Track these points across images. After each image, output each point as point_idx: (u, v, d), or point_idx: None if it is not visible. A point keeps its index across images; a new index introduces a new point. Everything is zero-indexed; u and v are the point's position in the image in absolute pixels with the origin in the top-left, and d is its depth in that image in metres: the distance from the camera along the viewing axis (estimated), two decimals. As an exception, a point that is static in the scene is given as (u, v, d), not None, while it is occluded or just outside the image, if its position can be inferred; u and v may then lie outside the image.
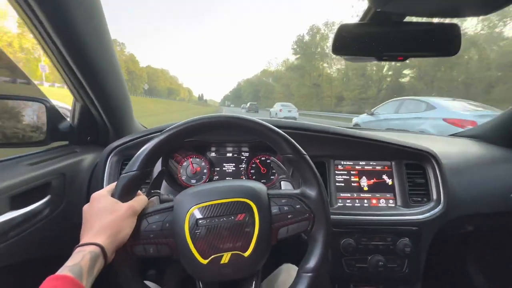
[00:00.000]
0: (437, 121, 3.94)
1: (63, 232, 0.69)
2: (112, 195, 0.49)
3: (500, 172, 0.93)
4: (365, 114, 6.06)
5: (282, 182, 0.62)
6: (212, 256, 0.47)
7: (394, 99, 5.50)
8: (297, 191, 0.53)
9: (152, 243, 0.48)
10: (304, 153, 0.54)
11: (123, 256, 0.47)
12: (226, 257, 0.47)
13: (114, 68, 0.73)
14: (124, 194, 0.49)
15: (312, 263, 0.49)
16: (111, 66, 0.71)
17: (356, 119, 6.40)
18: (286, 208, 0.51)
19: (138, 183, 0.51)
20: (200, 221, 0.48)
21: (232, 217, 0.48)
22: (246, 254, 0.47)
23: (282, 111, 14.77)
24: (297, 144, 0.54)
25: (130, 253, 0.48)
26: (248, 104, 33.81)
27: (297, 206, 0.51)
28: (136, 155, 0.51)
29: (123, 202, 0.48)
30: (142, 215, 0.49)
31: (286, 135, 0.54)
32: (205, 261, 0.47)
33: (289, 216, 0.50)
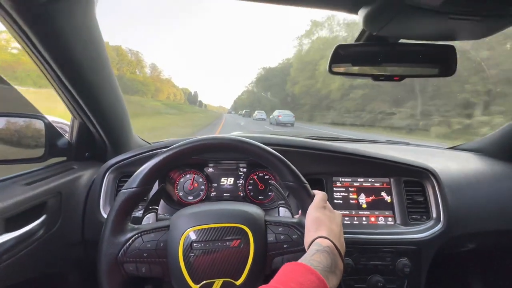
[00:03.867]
0: (277, 116, 16.44)
1: (58, 251, 0.69)
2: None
3: (502, 188, 0.92)
4: (276, 111, 17.20)
5: (280, 208, 0.62)
6: (204, 282, 0.46)
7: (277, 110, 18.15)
8: (295, 220, 0.53)
9: (145, 262, 0.48)
10: (305, 182, 0.53)
11: (114, 274, 0.47)
12: (217, 284, 0.46)
13: (110, 84, 0.73)
14: (124, 210, 0.49)
15: None
16: (108, 83, 0.72)
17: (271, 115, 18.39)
18: (282, 237, 0.50)
19: (137, 199, 0.51)
20: (194, 244, 0.47)
21: (227, 243, 0.48)
22: (238, 282, 0.46)
23: (257, 115, 24.56)
24: (298, 172, 0.54)
25: (122, 270, 0.47)
26: (244, 111, 42.65)
27: (294, 236, 0.50)
28: (138, 171, 0.51)
29: (121, 220, 0.49)
30: (138, 232, 0.49)
31: (287, 161, 0.54)
32: (196, 286, 0.46)
33: (285, 246, 0.50)
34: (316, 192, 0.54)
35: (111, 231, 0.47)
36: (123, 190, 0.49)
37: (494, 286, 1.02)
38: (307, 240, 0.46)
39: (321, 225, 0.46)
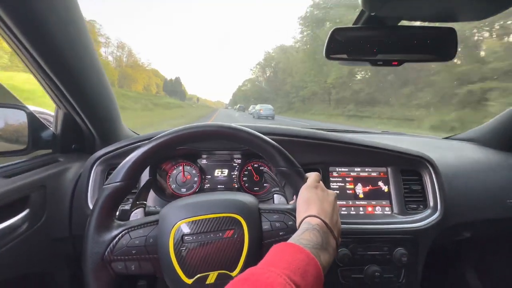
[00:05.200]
0: (258, 110, 19.94)
1: (44, 247, 0.66)
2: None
3: (497, 177, 0.92)
4: (258, 105, 21.69)
5: (275, 195, 0.60)
6: (198, 276, 0.44)
7: (260, 104, 23.44)
8: (290, 206, 0.51)
9: (134, 259, 0.45)
10: (299, 166, 0.52)
11: (101, 274, 0.44)
12: (212, 277, 0.44)
13: (96, 73, 0.69)
14: (108, 206, 0.46)
15: None
16: (93, 71, 0.68)
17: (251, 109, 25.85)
18: (277, 224, 0.49)
19: (122, 194, 0.48)
20: (185, 237, 0.45)
21: (220, 234, 0.46)
22: (234, 273, 0.45)
23: (252, 110, 24.17)
24: (291, 157, 0.52)
25: (109, 270, 0.45)
26: (238, 106, 42.96)
27: (290, 223, 0.48)
28: (121, 165, 0.48)
29: (106, 217, 0.46)
30: (125, 229, 0.47)
31: (280, 147, 0.52)
32: (189, 281, 0.44)
33: (280, 233, 0.48)
34: (308, 174, 0.53)
35: (95, 229, 0.45)
36: (105, 186, 0.46)
37: (489, 275, 1.03)
38: (298, 220, 0.46)
39: (311, 204, 0.46)
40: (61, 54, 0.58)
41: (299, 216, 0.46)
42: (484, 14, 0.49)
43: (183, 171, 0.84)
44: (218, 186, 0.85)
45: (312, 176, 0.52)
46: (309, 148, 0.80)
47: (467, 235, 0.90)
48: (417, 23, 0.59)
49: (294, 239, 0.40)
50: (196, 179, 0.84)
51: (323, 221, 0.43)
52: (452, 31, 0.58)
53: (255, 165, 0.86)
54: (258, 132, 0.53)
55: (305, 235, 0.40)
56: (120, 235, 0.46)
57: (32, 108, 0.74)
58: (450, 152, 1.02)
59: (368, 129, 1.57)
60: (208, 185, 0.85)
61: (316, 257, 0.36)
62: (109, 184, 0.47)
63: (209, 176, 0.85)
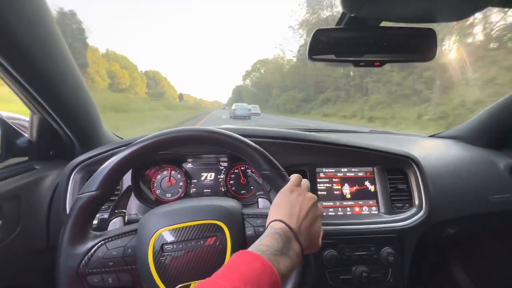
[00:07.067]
0: (233, 109, 18.45)
1: (18, 260, 0.62)
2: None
3: (480, 173, 0.94)
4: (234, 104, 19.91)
5: (259, 200, 0.59)
6: (178, 286, 0.43)
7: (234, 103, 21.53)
8: None
9: (111, 271, 0.43)
10: (282, 170, 0.51)
11: None
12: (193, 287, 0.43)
13: (71, 74, 0.66)
14: (83, 217, 0.44)
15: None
16: (67, 73, 0.65)
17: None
18: (261, 229, 0.48)
19: (98, 204, 0.46)
20: (165, 246, 0.44)
21: (201, 241, 0.45)
22: None
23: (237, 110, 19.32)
24: (274, 160, 0.51)
25: (84, 283, 0.43)
26: (234, 105, 40.80)
27: None
28: (96, 172, 0.46)
29: (80, 228, 0.43)
30: (101, 240, 0.45)
31: (262, 150, 0.51)
32: None
33: None
34: (291, 176, 0.51)
35: (69, 241, 0.43)
36: (79, 195, 0.44)
37: (475, 270, 1.06)
38: (266, 225, 0.44)
39: (280, 208, 0.44)
40: (29, 57, 0.54)
41: (268, 221, 0.44)
42: (461, 15, 0.50)
43: (169, 176, 0.81)
44: (205, 191, 0.83)
45: (291, 179, 0.50)
46: (295, 150, 0.80)
47: (452, 231, 0.91)
48: (398, 24, 0.60)
49: (254, 245, 0.38)
50: (181, 183, 0.82)
51: (287, 225, 0.41)
52: (431, 31, 0.58)
53: (242, 168, 0.85)
54: (242, 135, 0.52)
55: (265, 241, 0.38)
56: (96, 246, 0.44)
57: (4, 114, 0.71)
58: (435, 150, 1.04)
59: (355, 128, 1.58)
60: (194, 189, 0.83)
61: (273, 264, 0.35)
62: (83, 193, 0.45)
63: (195, 180, 0.83)
